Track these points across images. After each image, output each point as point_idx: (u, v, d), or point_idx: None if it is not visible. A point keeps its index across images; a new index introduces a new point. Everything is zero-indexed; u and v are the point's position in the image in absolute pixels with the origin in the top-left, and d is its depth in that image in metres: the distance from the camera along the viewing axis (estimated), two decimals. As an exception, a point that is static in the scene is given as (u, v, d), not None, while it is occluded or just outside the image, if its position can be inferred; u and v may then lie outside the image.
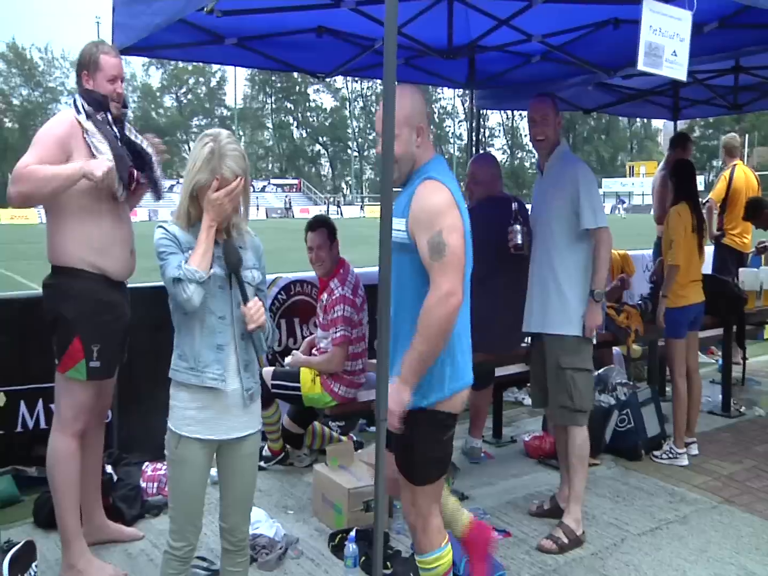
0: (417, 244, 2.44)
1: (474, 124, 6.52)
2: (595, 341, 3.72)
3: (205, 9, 3.29)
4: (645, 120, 75.71)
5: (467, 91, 6.32)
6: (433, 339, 2.40)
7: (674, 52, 2.71)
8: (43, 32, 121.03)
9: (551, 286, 3.69)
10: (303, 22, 4.51)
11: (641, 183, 62.18)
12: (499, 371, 4.88)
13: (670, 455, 4.69)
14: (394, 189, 2.45)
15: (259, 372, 2.68)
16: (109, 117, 3.20)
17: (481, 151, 6.63)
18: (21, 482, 4.06)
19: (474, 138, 6.49)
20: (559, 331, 3.68)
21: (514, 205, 3.98)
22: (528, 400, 6.00)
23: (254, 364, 2.50)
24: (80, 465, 3.27)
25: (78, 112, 3.13)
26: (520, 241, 3.84)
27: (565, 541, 3.60)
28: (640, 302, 5.25)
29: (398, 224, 2.46)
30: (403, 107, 2.43)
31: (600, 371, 4.96)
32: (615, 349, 5.64)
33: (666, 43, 2.67)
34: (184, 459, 2.40)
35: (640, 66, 2.64)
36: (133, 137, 3.31)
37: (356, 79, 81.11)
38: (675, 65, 2.73)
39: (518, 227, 3.85)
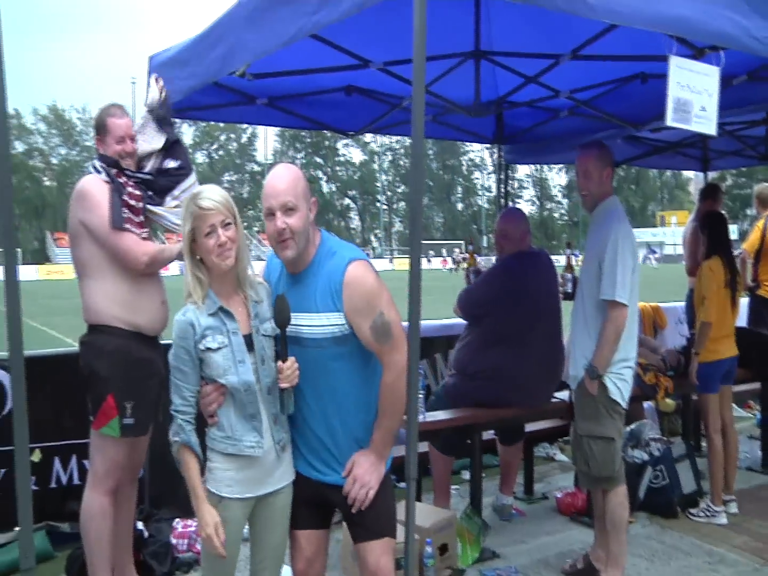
0: (357, 331, 2.43)
1: (503, 177, 6.55)
2: (624, 407, 3.61)
3: (236, 72, 3.40)
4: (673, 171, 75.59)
5: (495, 145, 6.38)
6: (399, 413, 2.50)
7: (703, 107, 2.73)
8: (81, 94, 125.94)
9: (574, 341, 3.70)
10: (332, 82, 4.63)
11: (673, 233, 61.87)
12: (530, 426, 4.83)
13: (708, 513, 4.55)
14: (294, 272, 2.49)
15: None
16: (127, 175, 3.32)
17: (510, 204, 6.65)
18: (54, 538, 4.07)
19: (503, 191, 6.53)
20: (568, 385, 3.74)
21: (567, 251, 4.06)
22: (560, 456, 5.90)
23: (282, 416, 2.51)
24: (113, 522, 3.28)
25: (98, 172, 3.27)
26: (570, 290, 3.92)
27: None
28: (663, 357, 5.12)
29: (332, 319, 2.43)
30: (300, 183, 2.47)
31: (632, 426, 4.87)
32: (647, 402, 5.54)
33: (694, 98, 2.69)
34: (224, 519, 2.40)
35: (669, 122, 2.66)
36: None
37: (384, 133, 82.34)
38: (704, 120, 2.74)
39: (569, 276, 3.93)
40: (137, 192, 3.27)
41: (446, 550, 3.81)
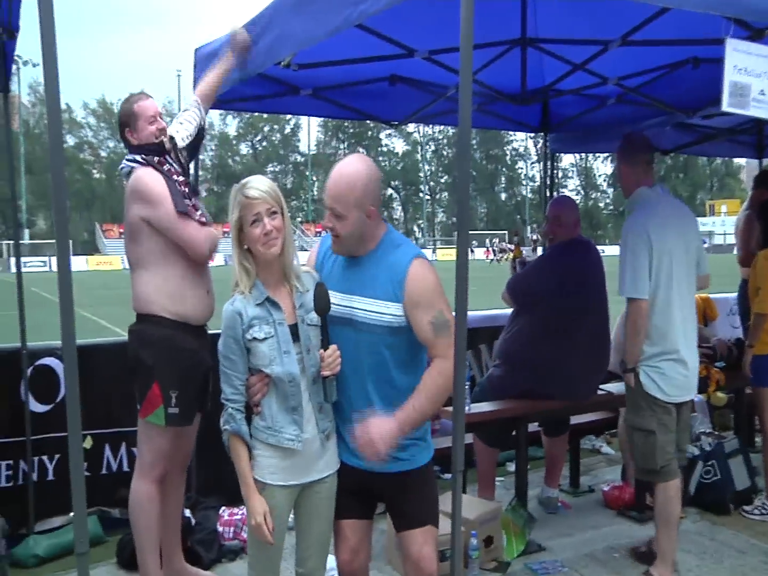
0: (414, 324, 2.42)
1: (549, 166, 6.45)
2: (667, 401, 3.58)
3: (282, 63, 3.40)
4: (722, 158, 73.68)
5: (540, 134, 6.30)
6: (439, 403, 2.47)
7: (762, 91, 2.62)
8: (128, 88, 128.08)
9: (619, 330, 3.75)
10: (376, 72, 4.61)
11: (722, 222, 60.43)
12: (576, 418, 4.76)
13: (763, 511, 4.42)
14: (352, 256, 2.48)
15: None
16: (170, 158, 3.35)
17: (555, 193, 6.54)
18: (105, 523, 4.17)
19: (549, 180, 6.44)
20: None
21: None
22: (606, 448, 5.82)
23: (327, 405, 2.51)
24: (161, 509, 3.34)
25: (143, 164, 3.28)
26: None
27: None
28: (713, 345, 5.03)
29: (391, 308, 2.42)
30: (355, 190, 2.43)
31: (682, 420, 4.75)
32: (697, 396, 5.41)
33: (753, 81, 2.58)
34: (269, 507, 2.42)
35: (725, 107, 2.56)
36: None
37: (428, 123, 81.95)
38: (763, 104, 2.63)
39: None
40: (182, 178, 3.31)
41: (491, 542, 3.80)
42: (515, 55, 4.67)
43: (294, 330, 2.45)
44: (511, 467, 5.21)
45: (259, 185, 2.42)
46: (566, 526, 4.35)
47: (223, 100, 4.46)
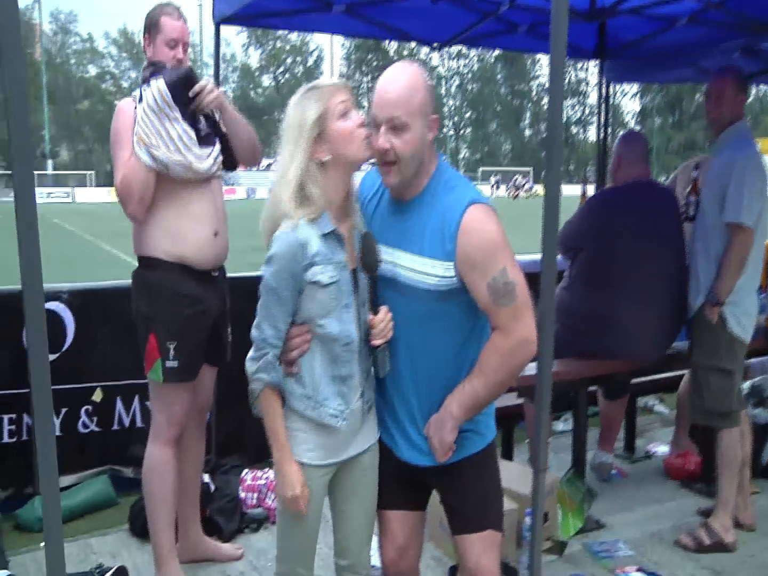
0: (470, 287, 1.90)
1: (604, 98, 5.82)
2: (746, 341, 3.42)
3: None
4: (761, 92, 71.14)
5: (583, 64, 5.72)
6: (500, 387, 1.98)
7: None
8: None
9: (694, 269, 3.50)
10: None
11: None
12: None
13: (844, 485, 4.01)
14: (399, 199, 2.00)
15: None
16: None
17: (606, 128, 5.94)
18: (117, 483, 3.86)
19: (604, 115, 5.83)
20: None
21: (694, 174, 3.76)
22: (659, 407, 5.39)
23: (372, 372, 2.07)
24: (177, 475, 2.97)
25: (140, 101, 2.80)
26: (692, 213, 3.65)
27: (706, 542, 3.36)
28: None
29: (438, 268, 1.90)
30: (418, 94, 1.89)
31: (754, 381, 4.30)
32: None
33: None
34: None
35: None
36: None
37: (453, 56, 79.88)
38: None
39: (693, 199, 3.67)
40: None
41: (546, 519, 3.38)
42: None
43: (354, 277, 1.97)
44: (558, 426, 4.84)
45: (343, 81, 1.98)
46: (625, 499, 3.92)
47: (245, 15, 4.02)
